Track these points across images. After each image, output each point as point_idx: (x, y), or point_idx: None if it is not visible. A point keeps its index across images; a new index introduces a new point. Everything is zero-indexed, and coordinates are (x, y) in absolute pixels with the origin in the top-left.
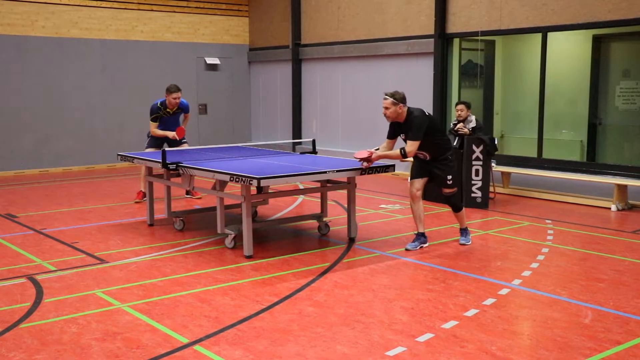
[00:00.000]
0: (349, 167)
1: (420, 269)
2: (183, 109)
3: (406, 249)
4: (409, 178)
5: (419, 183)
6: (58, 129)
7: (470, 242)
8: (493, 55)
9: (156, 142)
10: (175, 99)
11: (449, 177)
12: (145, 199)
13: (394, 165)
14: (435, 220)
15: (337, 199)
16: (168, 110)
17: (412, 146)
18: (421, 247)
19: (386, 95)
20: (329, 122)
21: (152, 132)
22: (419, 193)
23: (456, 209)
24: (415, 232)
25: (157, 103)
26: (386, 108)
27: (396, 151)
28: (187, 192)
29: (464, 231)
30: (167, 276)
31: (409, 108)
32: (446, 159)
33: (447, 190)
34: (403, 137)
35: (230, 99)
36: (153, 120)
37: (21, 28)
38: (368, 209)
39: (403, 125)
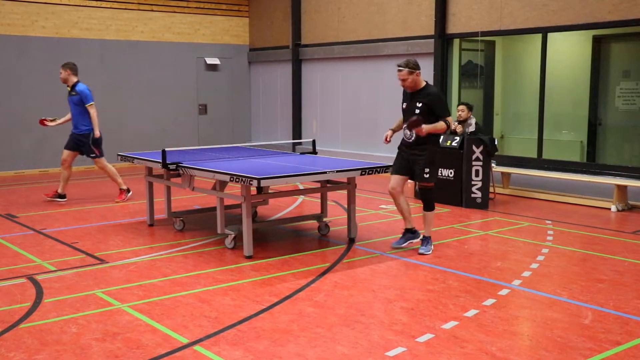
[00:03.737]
0: (349, 167)
1: (420, 269)
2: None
3: (392, 246)
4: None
5: (394, 181)
6: (58, 129)
7: (430, 252)
8: (493, 56)
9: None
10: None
11: (427, 169)
12: (129, 194)
13: None
14: (434, 220)
15: (337, 199)
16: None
17: (450, 119)
18: (410, 243)
19: (400, 66)
20: (329, 122)
21: (95, 118)
22: (395, 191)
23: (428, 207)
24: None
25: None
26: (403, 80)
27: (442, 123)
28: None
29: (425, 240)
30: (167, 276)
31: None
32: (427, 147)
33: (423, 184)
34: (419, 106)
35: (230, 99)
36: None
37: (21, 28)
38: (368, 209)
39: (418, 94)
